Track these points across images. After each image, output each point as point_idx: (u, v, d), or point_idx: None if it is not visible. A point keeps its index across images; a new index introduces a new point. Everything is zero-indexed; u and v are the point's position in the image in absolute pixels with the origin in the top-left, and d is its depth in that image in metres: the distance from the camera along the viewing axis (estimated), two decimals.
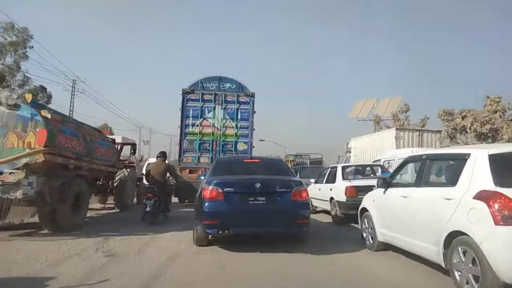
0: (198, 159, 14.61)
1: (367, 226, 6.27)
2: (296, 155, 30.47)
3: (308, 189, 10.71)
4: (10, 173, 6.45)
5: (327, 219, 9.95)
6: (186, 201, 13.78)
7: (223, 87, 15.07)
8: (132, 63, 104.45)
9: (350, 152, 20.63)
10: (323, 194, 10.08)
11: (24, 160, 6.59)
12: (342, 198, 8.68)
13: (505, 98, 23.44)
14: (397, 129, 16.92)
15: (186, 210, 11.24)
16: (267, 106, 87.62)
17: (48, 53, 73.86)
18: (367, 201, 6.41)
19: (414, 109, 32.45)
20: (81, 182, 8.08)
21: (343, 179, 9.24)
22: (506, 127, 22.43)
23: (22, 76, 30.18)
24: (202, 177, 7.56)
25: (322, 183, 10.44)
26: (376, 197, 6.04)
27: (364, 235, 6.34)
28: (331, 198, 9.34)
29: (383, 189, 5.75)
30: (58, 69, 49.15)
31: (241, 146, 14.70)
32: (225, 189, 5.78)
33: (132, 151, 13.75)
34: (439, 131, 16.73)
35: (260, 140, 34.10)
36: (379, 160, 12.41)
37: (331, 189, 9.50)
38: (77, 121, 8.54)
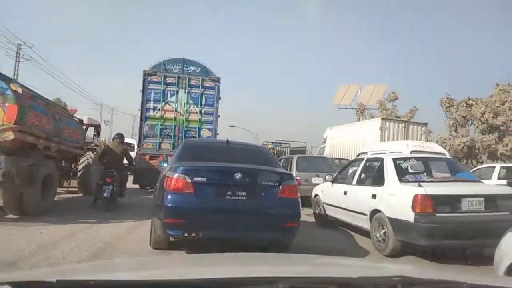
0: (159, 145, 13.98)
1: None
2: (276, 143, 25.21)
3: (319, 189, 8.14)
4: None
5: (349, 236, 6.91)
6: (148, 187, 13.26)
7: (187, 70, 14.49)
8: (91, 36, 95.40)
9: (326, 142, 18.50)
10: (353, 202, 6.60)
11: None
12: (405, 215, 5.22)
13: None
14: (383, 118, 15.50)
15: (146, 197, 10.54)
16: (240, 93, 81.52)
17: None
18: None
19: (400, 99, 29.04)
20: (50, 163, 7.47)
21: (401, 180, 5.71)
22: None
23: None
24: (165, 164, 6.64)
25: (350, 183, 6.93)
26: None
27: None
28: (374, 212, 5.88)
29: None
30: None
31: (205, 133, 14.26)
32: (195, 178, 4.57)
33: (95, 133, 12.93)
34: (425, 124, 15.45)
35: (230, 126, 31.51)
36: (365, 153, 9.59)
37: (374, 196, 5.97)
38: (46, 99, 7.86)
